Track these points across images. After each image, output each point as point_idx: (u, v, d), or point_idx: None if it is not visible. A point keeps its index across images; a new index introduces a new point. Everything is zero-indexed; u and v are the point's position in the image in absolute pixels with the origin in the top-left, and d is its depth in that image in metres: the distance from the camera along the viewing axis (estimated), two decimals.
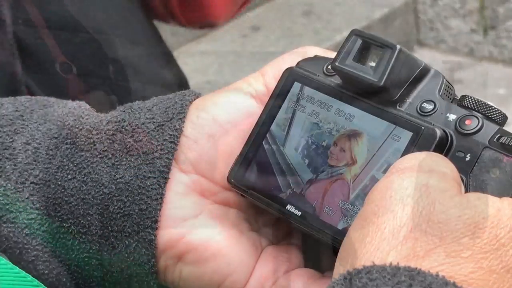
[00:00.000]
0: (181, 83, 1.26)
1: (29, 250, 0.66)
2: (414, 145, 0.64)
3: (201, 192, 0.70)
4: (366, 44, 0.67)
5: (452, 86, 0.68)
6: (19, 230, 0.66)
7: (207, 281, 0.68)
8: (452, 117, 0.65)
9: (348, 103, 0.67)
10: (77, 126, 0.70)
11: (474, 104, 0.65)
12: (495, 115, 0.65)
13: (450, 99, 0.67)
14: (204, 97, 0.72)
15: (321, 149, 0.68)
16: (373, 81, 0.65)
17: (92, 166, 0.68)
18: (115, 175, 0.68)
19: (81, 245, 0.67)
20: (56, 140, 0.69)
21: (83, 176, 0.68)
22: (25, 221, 0.67)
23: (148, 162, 0.68)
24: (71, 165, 0.68)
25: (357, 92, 0.67)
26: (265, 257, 0.70)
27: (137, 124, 0.70)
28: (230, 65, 2.98)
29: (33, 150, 0.69)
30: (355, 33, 0.68)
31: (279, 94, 0.70)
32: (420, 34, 3.65)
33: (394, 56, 0.65)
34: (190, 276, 0.68)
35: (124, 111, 0.71)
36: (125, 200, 0.67)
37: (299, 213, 0.67)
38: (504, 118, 0.65)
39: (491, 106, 0.65)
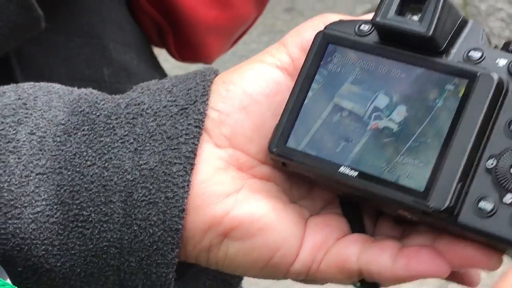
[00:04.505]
0: None
1: (37, 245, 0.64)
2: (471, 93, 0.62)
3: (239, 166, 0.67)
4: None
5: (489, 37, 0.66)
6: (25, 225, 0.63)
7: (256, 256, 0.65)
8: (502, 62, 0.63)
9: (393, 58, 0.65)
10: (93, 112, 0.67)
11: None
12: None
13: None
14: (228, 72, 0.69)
15: (368, 107, 0.65)
16: (421, 32, 0.63)
17: (113, 152, 0.65)
18: (138, 161, 0.65)
19: (102, 234, 0.64)
20: (63, 126, 0.66)
21: (103, 162, 0.65)
22: (31, 215, 0.64)
23: (173, 148, 0.65)
24: (90, 151, 0.65)
25: (400, 48, 0.65)
26: (312, 227, 0.67)
27: (158, 107, 0.66)
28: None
29: (38, 140, 0.65)
30: None
31: (314, 58, 0.68)
32: None
33: (440, 5, 0.63)
34: (238, 253, 0.66)
35: (142, 93, 0.68)
36: (150, 187, 0.64)
37: (355, 174, 0.64)
38: None
39: None
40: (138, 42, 1.16)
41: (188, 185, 0.64)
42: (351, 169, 0.64)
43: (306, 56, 0.68)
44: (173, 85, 0.68)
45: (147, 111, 0.66)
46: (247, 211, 0.65)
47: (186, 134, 0.65)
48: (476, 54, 0.64)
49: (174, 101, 0.66)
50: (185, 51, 1.20)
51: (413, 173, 0.62)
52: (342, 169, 0.64)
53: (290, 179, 0.68)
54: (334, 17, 0.70)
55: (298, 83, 0.68)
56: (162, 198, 0.64)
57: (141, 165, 0.64)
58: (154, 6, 1.15)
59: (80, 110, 0.67)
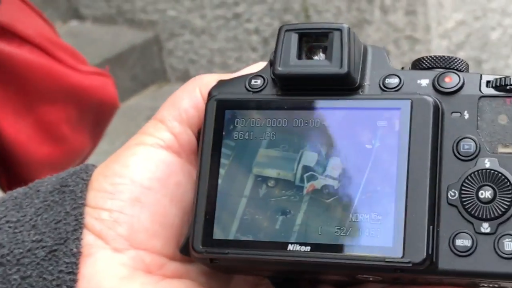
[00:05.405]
0: None
1: None
2: (410, 122, 0.55)
3: (146, 268, 0.58)
4: (304, 36, 0.58)
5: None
6: None
7: None
8: (424, 82, 0.57)
9: (306, 108, 0.58)
10: None
11: (436, 62, 0.58)
12: (460, 65, 0.59)
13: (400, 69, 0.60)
14: (108, 163, 0.60)
15: (296, 169, 0.57)
16: (336, 72, 0.57)
17: None
18: None
19: None
20: None
21: None
22: None
23: None
24: None
25: (308, 95, 0.58)
26: None
27: (21, 252, 0.56)
28: None
29: None
30: (286, 29, 0.58)
31: (214, 130, 0.59)
32: None
33: (346, 37, 0.57)
34: None
35: (0, 229, 0.58)
36: None
37: (307, 248, 0.55)
38: (467, 64, 0.59)
39: (451, 57, 0.59)
40: None
41: None
42: (301, 244, 0.55)
43: (203, 131, 0.59)
44: (37, 214, 0.58)
45: (8, 257, 0.56)
46: None
47: (58, 286, 0.56)
48: (393, 80, 0.58)
49: (40, 240, 0.57)
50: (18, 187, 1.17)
51: (374, 229, 0.55)
52: (290, 247, 0.56)
53: (205, 271, 0.60)
54: (208, 78, 0.62)
55: (202, 163, 0.58)
56: None
57: None
58: None
59: None
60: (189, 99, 0.62)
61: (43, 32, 1.11)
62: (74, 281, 0.56)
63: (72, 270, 0.56)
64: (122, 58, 3.23)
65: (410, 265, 0.53)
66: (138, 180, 0.59)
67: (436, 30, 2.79)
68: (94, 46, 3.15)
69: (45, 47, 1.10)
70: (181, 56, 3.31)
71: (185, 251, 0.59)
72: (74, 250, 0.56)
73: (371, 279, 0.57)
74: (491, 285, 0.55)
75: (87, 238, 0.58)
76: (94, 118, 1.17)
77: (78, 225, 0.57)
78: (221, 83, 0.61)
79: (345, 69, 0.57)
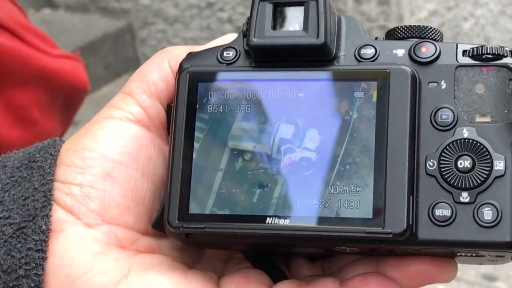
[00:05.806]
0: None
1: None
2: (387, 93, 0.55)
3: (119, 243, 0.57)
4: (279, 6, 0.58)
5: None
6: None
7: None
8: (400, 52, 0.57)
9: (282, 79, 0.57)
10: None
11: (410, 32, 0.58)
12: (435, 34, 0.59)
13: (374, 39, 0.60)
14: (76, 137, 0.59)
15: (273, 141, 0.56)
16: (313, 42, 0.56)
17: None
18: None
19: None
20: None
21: None
22: None
23: (11, 285, 0.54)
24: None
25: (282, 66, 0.57)
26: None
27: None
28: None
29: None
30: None
31: (187, 103, 0.58)
32: None
33: (323, 7, 0.57)
34: None
35: None
36: None
37: (286, 221, 0.55)
38: (441, 34, 0.59)
39: (426, 26, 0.58)
40: None
41: None
42: (279, 217, 0.55)
43: (175, 104, 0.58)
44: (4, 190, 0.57)
45: None
46: None
47: (26, 264, 0.54)
48: (369, 51, 0.57)
49: (8, 217, 0.55)
50: None
51: (353, 200, 0.54)
52: (269, 220, 0.55)
53: (178, 246, 0.60)
54: (177, 50, 0.61)
55: (176, 137, 0.57)
56: None
57: None
58: None
59: None
60: (158, 71, 0.61)
61: (13, 16, 1.10)
62: (44, 258, 0.55)
63: (41, 248, 0.55)
64: (95, 47, 3.21)
65: (391, 236, 0.54)
66: (108, 155, 0.58)
67: (409, 20, 2.80)
68: (67, 34, 3.13)
69: (15, 30, 1.08)
70: (154, 45, 3.30)
71: (157, 226, 0.59)
72: (43, 227, 0.55)
73: (348, 250, 0.57)
74: (468, 254, 0.56)
75: (58, 213, 0.57)
76: (64, 101, 1.16)
77: (47, 201, 0.56)
78: (191, 56, 0.60)
79: (321, 40, 0.57)
